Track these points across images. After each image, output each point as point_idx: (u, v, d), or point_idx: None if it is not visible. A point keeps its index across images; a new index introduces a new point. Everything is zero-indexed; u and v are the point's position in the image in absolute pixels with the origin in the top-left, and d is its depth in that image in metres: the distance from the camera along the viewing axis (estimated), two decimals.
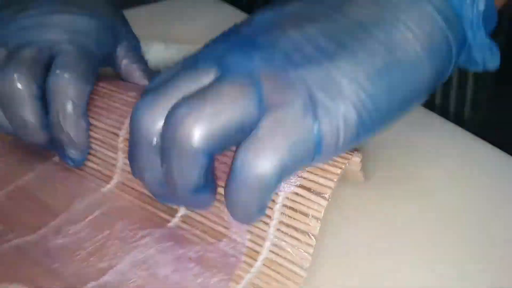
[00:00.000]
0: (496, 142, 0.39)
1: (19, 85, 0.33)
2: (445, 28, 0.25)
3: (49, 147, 0.36)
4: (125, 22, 0.42)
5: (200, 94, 0.24)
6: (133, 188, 0.33)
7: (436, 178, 0.36)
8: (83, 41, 0.36)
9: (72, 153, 0.35)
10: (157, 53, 0.47)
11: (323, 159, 0.25)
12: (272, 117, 0.24)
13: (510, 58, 0.53)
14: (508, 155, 0.38)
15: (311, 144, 0.24)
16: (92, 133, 0.35)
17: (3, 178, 0.37)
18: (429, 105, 0.48)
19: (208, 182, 0.26)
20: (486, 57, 0.27)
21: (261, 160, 0.23)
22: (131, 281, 0.28)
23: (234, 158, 0.24)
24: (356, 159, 0.29)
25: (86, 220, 0.32)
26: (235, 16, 0.62)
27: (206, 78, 0.25)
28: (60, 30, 0.36)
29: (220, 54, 0.26)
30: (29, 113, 0.34)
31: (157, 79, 0.27)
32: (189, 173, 0.25)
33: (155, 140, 0.25)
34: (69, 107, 0.34)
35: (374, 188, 0.35)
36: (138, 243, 0.30)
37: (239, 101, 0.23)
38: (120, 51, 0.40)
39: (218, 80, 0.24)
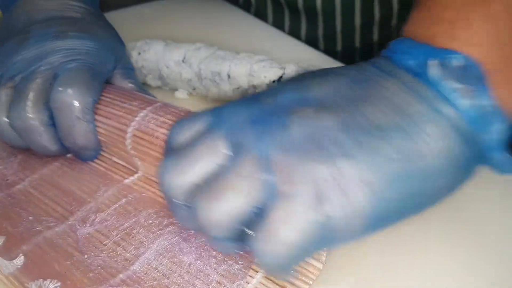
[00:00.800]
0: None
1: (32, 122, 0.35)
2: (463, 143, 0.25)
3: (63, 153, 0.38)
4: (122, 46, 0.42)
5: (212, 189, 0.25)
6: (156, 181, 0.34)
7: None
8: (85, 59, 0.37)
9: (85, 154, 0.37)
10: (157, 52, 0.47)
11: (334, 246, 0.25)
12: (282, 208, 0.24)
13: None
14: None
15: (321, 238, 0.24)
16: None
17: (27, 167, 0.38)
18: None
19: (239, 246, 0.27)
20: (506, 168, 0.26)
21: (270, 253, 0.24)
22: (157, 270, 0.29)
23: (249, 244, 0.25)
24: None
25: (112, 208, 0.33)
26: (235, 15, 0.62)
27: (219, 152, 0.26)
28: (63, 53, 0.37)
29: (237, 124, 0.26)
30: (45, 140, 0.36)
31: (181, 131, 0.28)
32: (220, 249, 0.28)
33: (176, 199, 0.27)
34: (76, 122, 0.35)
35: None
36: (163, 231, 0.31)
37: (249, 195, 0.24)
38: (118, 72, 0.41)
39: (230, 166, 0.25)
